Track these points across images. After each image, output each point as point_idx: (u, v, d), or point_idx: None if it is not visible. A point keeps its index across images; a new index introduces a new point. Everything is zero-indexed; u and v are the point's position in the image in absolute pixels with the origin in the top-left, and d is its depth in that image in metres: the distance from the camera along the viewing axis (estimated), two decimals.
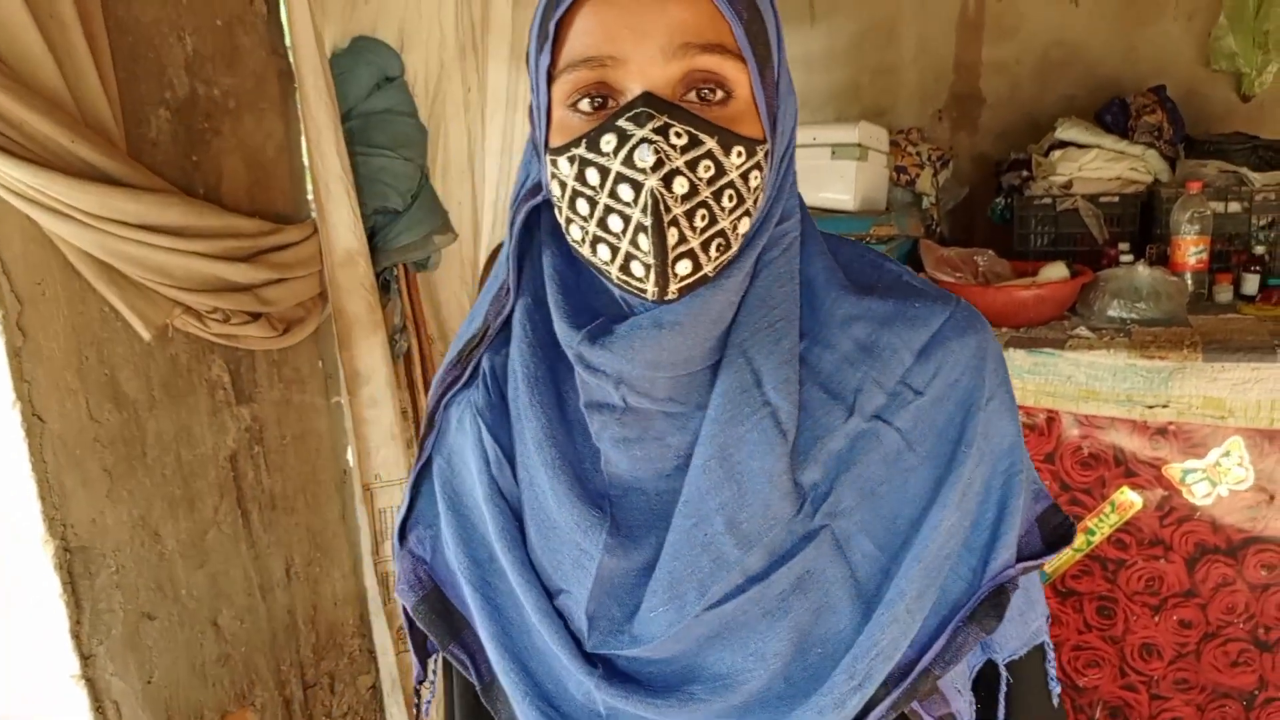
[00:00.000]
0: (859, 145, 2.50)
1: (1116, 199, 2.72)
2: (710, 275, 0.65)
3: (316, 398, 1.95)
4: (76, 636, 1.45)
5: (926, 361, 0.72)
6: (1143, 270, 2.26)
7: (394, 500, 1.94)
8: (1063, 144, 2.82)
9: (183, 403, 1.63)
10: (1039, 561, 0.75)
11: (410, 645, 0.86)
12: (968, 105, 3.31)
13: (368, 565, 2.03)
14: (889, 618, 0.69)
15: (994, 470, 0.74)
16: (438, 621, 0.82)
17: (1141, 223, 2.73)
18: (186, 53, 1.61)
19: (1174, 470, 2.08)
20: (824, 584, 0.70)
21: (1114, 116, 2.85)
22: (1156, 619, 2.15)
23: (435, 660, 0.88)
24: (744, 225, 0.66)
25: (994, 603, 0.72)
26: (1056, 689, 0.82)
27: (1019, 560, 0.74)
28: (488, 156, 2.30)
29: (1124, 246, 2.59)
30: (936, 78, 3.32)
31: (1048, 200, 2.78)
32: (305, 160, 1.85)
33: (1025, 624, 0.79)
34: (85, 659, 1.47)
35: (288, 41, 1.80)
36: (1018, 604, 0.76)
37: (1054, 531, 0.78)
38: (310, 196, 1.87)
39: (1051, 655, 0.81)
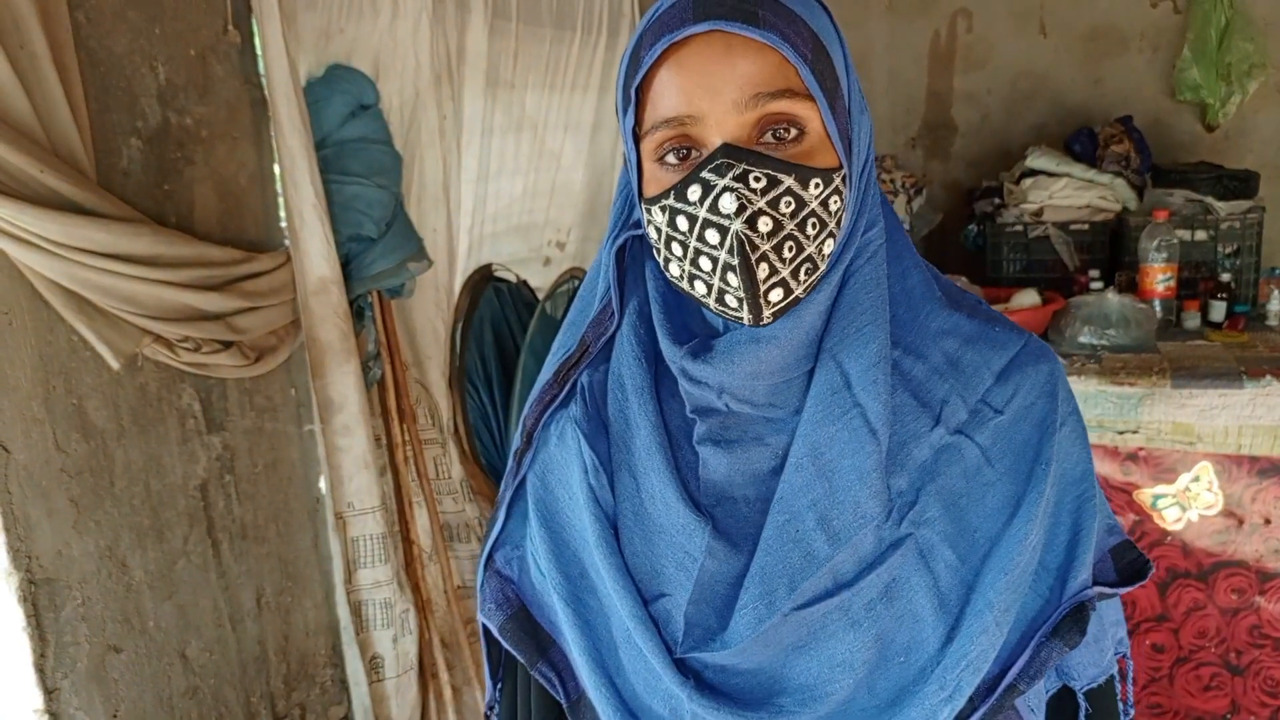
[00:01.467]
0: None
1: (1086, 226, 2.77)
2: (801, 296, 0.70)
3: (289, 426, 1.94)
4: (40, 670, 1.43)
5: (1005, 383, 0.76)
6: (1112, 297, 2.29)
7: (367, 529, 1.93)
8: (1033, 172, 2.86)
9: (152, 432, 1.62)
10: (1114, 591, 0.78)
11: (486, 666, 0.90)
12: (940, 134, 3.36)
13: (340, 595, 2.01)
14: (979, 628, 0.71)
15: (1067, 493, 0.77)
16: (526, 640, 0.84)
17: (1111, 250, 2.77)
18: (159, 82, 1.61)
19: (1145, 495, 2.10)
20: (909, 593, 0.73)
21: (1082, 145, 2.90)
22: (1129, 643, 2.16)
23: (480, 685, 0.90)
24: (829, 246, 0.70)
25: (1075, 620, 0.75)
26: (1129, 716, 0.86)
27: (1095, 585, 0.77)
28: (463, 184, 2.31)
29: (1094, 273, 2.63)
30: (908, 107, 3.36)
31: (1019, 227, 2.82)
32: (279, 188, 1.85)
33: (1101, 651, 0.82)
34: (49, 693, 1.44)
35: (261, 70, 1.80)
36: (1092, 631, 0.78)
37: (1129, 565, 0.81)
38: (284, 224, 1.86)
39: (1129, 676, 0.85)
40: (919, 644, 0.73)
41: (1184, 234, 2.56)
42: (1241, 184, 2.63)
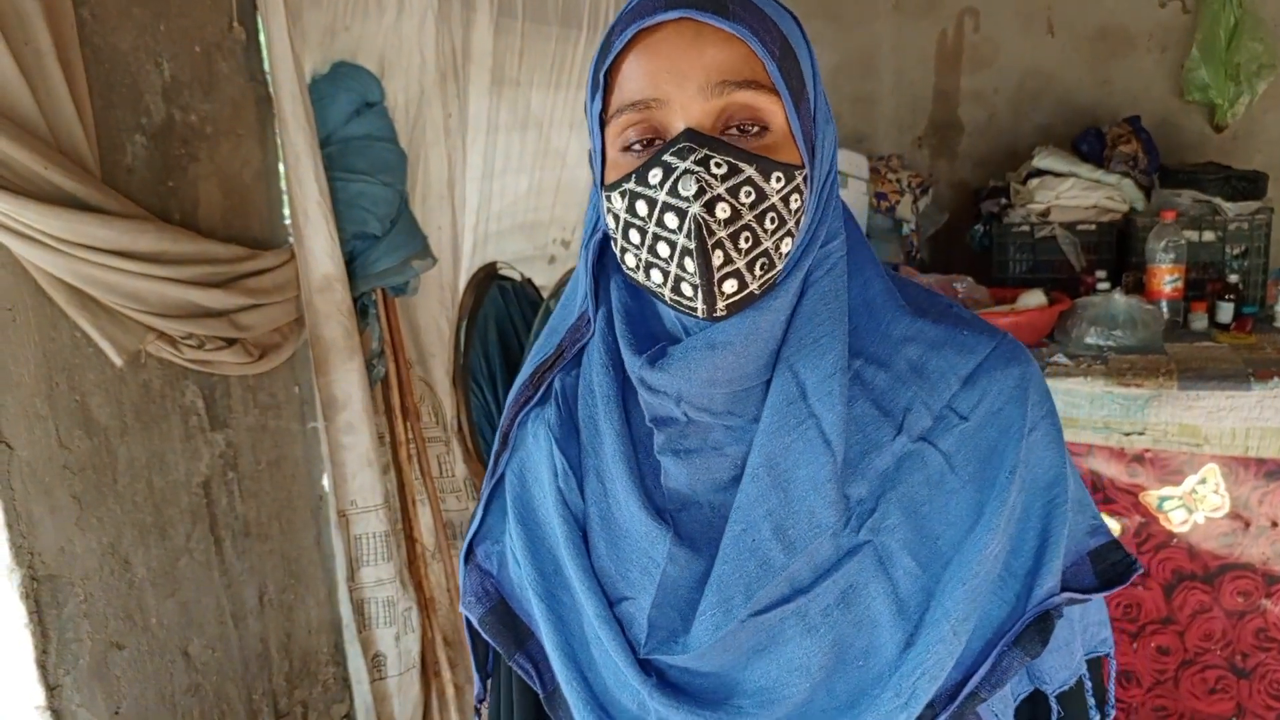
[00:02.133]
0: (839, 172, 2.52)
1: (1093, 227, 2.75)
2: (757, 293, 0.70)
3: (292, 423, 1.94)
4: (42, 666, 1.43)
5: (972, 389, 0.75)
6: (1119, 298, 2.28)
7: (370, 527, 1.93)
8: (1040, 172, 2.85)
9: (155, 429, 1.62)
10: (1088, 596, 0.78)
11: (473, 661, 0.92)
12: (946, 133, 3.35)
13: (343, 592, 2.01)
14: (935, 637, 0.71)
15: (1037, 499, 0.77)
16: (504, 632, 0.86)
17: (1118, 251, 2.76)
18: (164, 79, 1.60)
19: (1151, 497, 2.09)
20: (866, 599, 0.73)
21: (1090, 145, 2.88)
22: (1134, 646, 2.15)
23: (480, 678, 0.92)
24: (786, 245, 0.70)
25: (1039, 628, 0.75)
26: (1101, 717, 0.85)
27: (1065, 591, 0.77)
28: (468, 182, 2.30)
29: (1101, 274, 2.62)
30: (915, 107, 3.35)
31: (1026, 228, 2.81)
32: (283, 186, 1.85)
33: (1071, 654, 0.82)
34: (51, 689, 1.44)
35: (266, 67, 1.80)
36: (1062, 635, 0.78)
37: (1112, 568, 0.80)
38: (288, 222, 1.86)
39: (1111, 677, 0.85)
40: (877, 649, 0.73)
41: (1192, 235, 2.54)
42: (1250, 185, 2.61)
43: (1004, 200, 2.94)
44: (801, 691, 0.73)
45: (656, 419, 0.75)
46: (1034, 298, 2.37)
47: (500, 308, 2.48)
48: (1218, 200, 2.59)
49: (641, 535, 0.75)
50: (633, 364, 0.74)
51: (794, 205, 0.69)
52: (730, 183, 0.66)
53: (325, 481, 1.99)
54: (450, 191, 2.19)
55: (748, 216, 0.67)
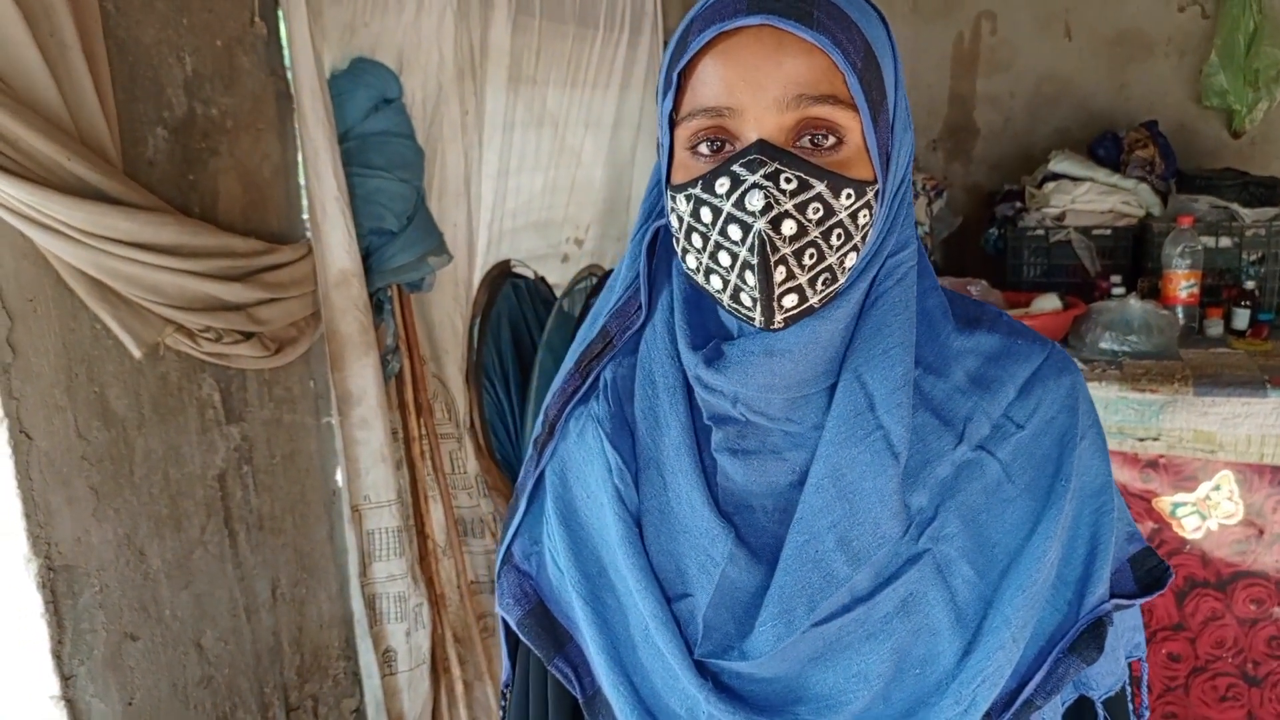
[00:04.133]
0: None
1: (1109, 232, 2.74)
2: (816, 306, 0.69)
3: (307, 418, 1.94)
4: (57, 656, 1.44)
5: (1027, 397, 0.75)
6: (1134, 303, 2.27)
7: (383, 522, 1.93)
8: (1055, 176, 2.84)
9: (172, 421, 1.62)
10: (1132, 602, 0.78)
11: (504, 647, 0.91)
12: (962, 136, 3.34)
13: (354, 587, 2.01)
14: (995, 644, 0.71)
15: (1085, 507, 0.77)
16: (543, 635, 0.84)
17: (1133, 256, 2.75)
18: (186, 73, 1.61)
19: (1164, 503, 2.08)
20: (926, 607, 0.73)
21: (1106, 150, 2.88)
22: (1146, 652, 2.15)
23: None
24: (851, 259, 0.69)
25: (1093, 634, 0.75)
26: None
27: (1112, 597, 0.77)
28: (484, 179, 2.31)
29: (1116, 279, 2.61)
30: (931, 109, 3.34)
31: (1040, 232, 2.80)
32: (302, 180, 1.85)
33: (1116, 660, 0.82)
34: (66, 679, 1.45)
35: (287, 62, 1.80)
36: (1109, 642, 0.78)
37: (1149, 574, 0.81)
38: (306, 216, 1.87)
39: (1144, 682, 0.86)
40: (935, 657, 0.73)
41: (1208, 240, 2.53)
42: (1267, 191, 2.61)
43: (1019, 204, 2.93)
44: (862, 699, 0.73)
45: (714, 416, 0.74)
46: (1049, 302, 2.36)
47: (513, 306, 2.48)
48: (1235, 206, 2.58)
49: (703, 532, 0.74)
50: (689, 360, 0.73)
51: (862, 221, 0.68)
52: (799, 199, 0.65)
53: (339, 476, 2.00)
54: (466, 188, 2.19)
55: (814, 233, 0.66)
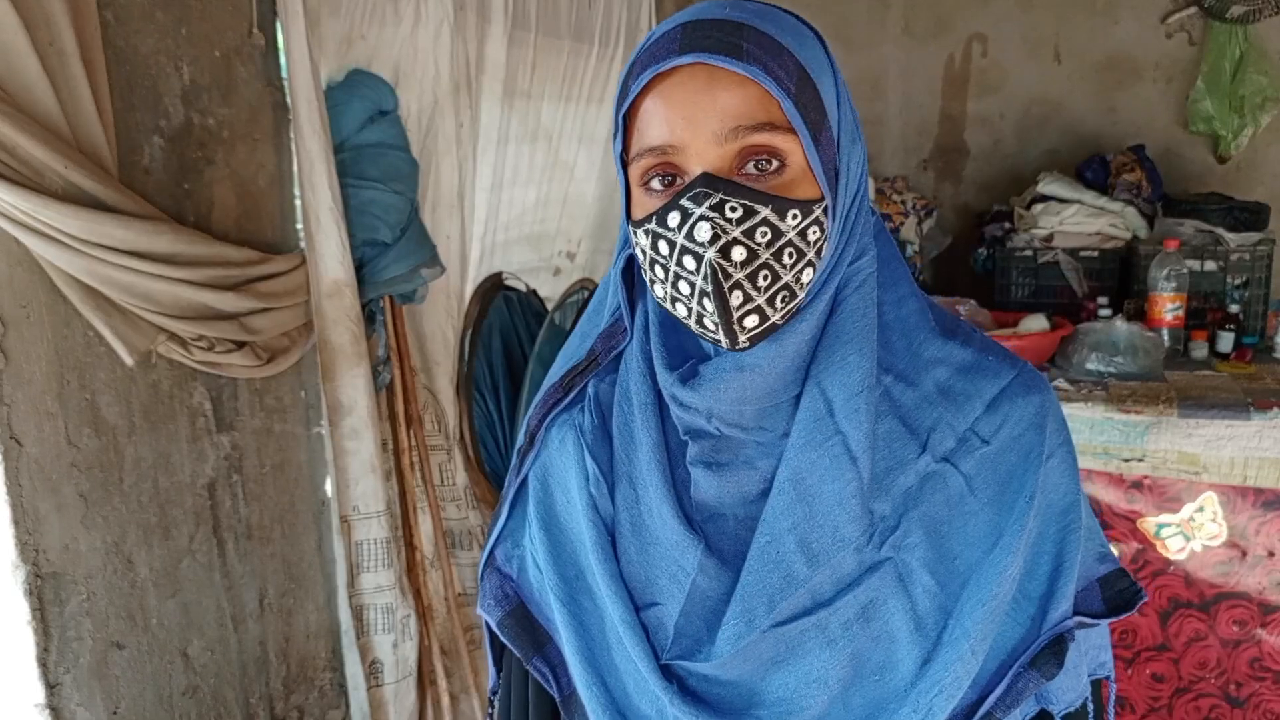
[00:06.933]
0: None
1: (1096, 254, 2.77)
2: (779, 323, 0.71)
3: (297, 427, 1.94)
4: (43, 664, 1.43)
5: (994, 413, 0.77)
6: (1121, 325, 2.30)
7: (371, 533, 1.93)
8: (1044, 198, 2.87)
9: (162, 429, 1.62)
10: (1096, 621, 0.79)
11: (489, 654, 0.94)
12: (952, 157, 3.37)
13: (342, 598, 2.01)
14: (954, 655, 0.73)
15: (1051, 524, 0.79)
16: (523, 636, 0.87)
17: (1120, 278, 2.77)
18: (183, 82, 1.62)
19: (1148, 524, 2.10)
20: (885, 614, 0.75)
21: (1094, 173, 2.90)
22: (1129, 672, 2.16)
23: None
24: (808, 275, 0.71)
25: (1054, 650, 0.76)
26: None
27: (1076, 615, 0.78)
28: (478, 192, 2.32)
29: (1103, 300, 2.63)
30: (921, 130, 3.37)
31: (1029, 252, 2.83)
32: (296, 191, 1.86)
33: (1078, 677, 0.83)
34: (51, 687, 1.44)
35: (284, 73, 1.81)
36: (1071, 657, 0.79)
37: (1119, 595, 0.82)
38: (300, 227, 1.87)
39: (1111, 701, 0.86)
40: (894, 664, 0.75)
41: (1193, 264, 2.56)
42: (1252, 216, 2.63)
43: (1007, 225, 2.96)
44: (819, 704, 0.74)
45: (690, 431, 0.77)
46: (1036, 322, 2.38)
47: (505, 318, 2.49)
48: (1220, 230, 2.61)
49: (673, 544, 0.77)
50: (665, 380, 0.76)
51: (813, 237, 0.70)
52: (746, 225, 0.67)
53: (328, 486, 2.00)
54: (460, 201, 2.20)
55: (765, 255, 0.68)
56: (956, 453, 0.76)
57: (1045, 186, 2.87)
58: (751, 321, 0.70)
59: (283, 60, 1.81)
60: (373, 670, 1.97)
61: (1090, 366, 2.27)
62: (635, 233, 0.73)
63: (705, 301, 0.69)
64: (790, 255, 0.69)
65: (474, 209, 2.30)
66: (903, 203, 3.06)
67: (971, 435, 0.76)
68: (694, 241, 0.67)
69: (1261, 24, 2.88)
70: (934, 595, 0.75)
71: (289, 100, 1.78)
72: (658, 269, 0.71)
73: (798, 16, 0.73)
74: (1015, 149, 3.28)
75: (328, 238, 1.80)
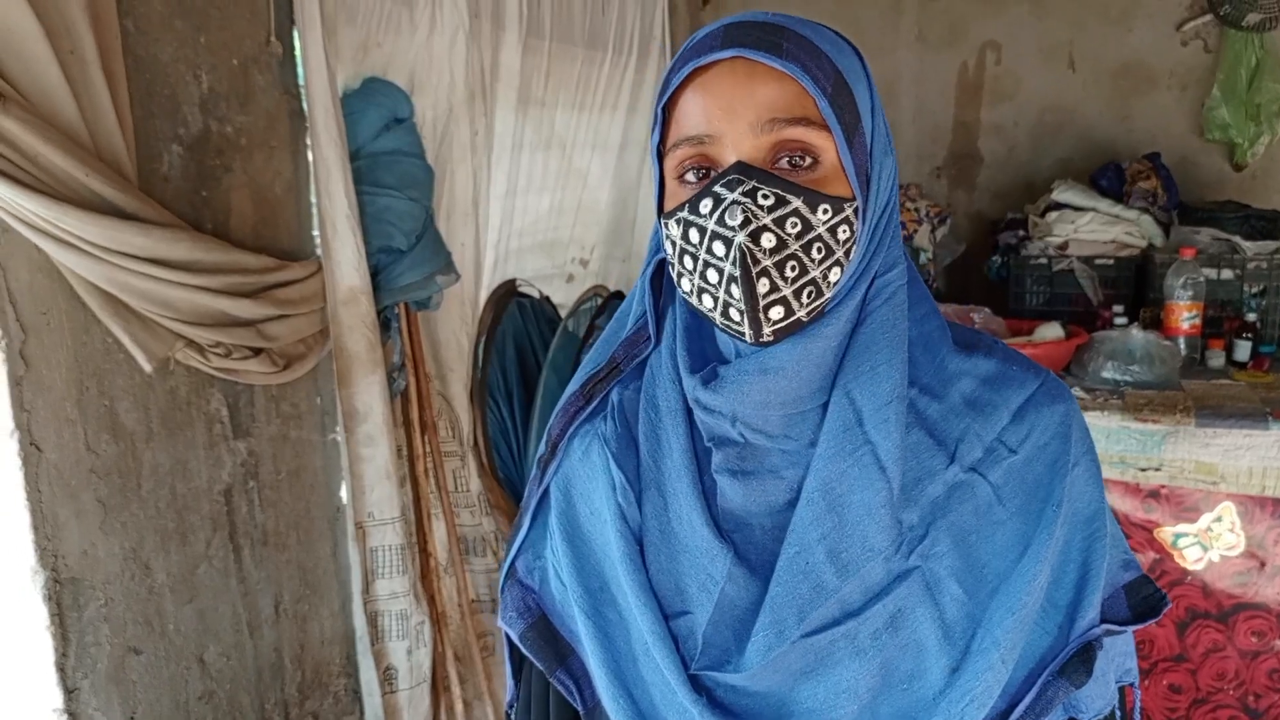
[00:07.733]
0: None
1: (1111, 262, 2.76)
2: (804, 320, 0.72)
3: (313, 434, 1.95)
4: (61, 669, 1.44)
5: (1021, 422, 0.78)
6: (1137, 333, 2.28)
7: (386, 540, 1.93)
8: (1059, 205, 2.86)
9: (180, 435, 1.63)
10: (1123, 628, 0.80)
11: (508, 665, 0.93)
12: (966, 164, 3.36)
13: (357, 604, 2.01)
14: (984, 665, 0.73)
15: (1078, 533, 0.79)
16: (545, 648, 0.86)
17: (1135, 286, 2.76)
18: (202, 90, 1.63)
19: (1165, 534, 2.08)
20: (914, 623, 0.74)
21: (1109, 180, 2.89)
22: (1146, 683, 2.14)
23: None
24: (835, 274, 0.72)
25: (1083, 658, 0.76)
26: None
27: (1103, 623, 0.79)
28: (492, 199, 2.32)
29: (1118, 309, 2.62)
30: (935, 137, 3.37)
31: (1043, 260, 2.82)
32: (313, 198, 1.87)
33: (1106, 684, 0.83)
34: (69, 693, 1.45)
35: (301, 82, 1.82)
36: (1100, 666, 0.79)
37: (1144, 601, 0.82)
38: (316, 234, 1.88)
39: (1137, 708, 0.87)
40: (922, 673, 0.74)
41: (1210, 272, 2.55)
42: (1269, 224, 2.62)
43: (1021, 232, 2.95)
44: (849, 714, 0.74)
45: (714, 438, 0.77)
46: (1051, 330, 2.37)
47: (519, 325, 2.49)
48: (1236, 239, 2.60)
49: (702, 552, 0.76)
50: (688, 383, 0.77)
51: (842, 236, 0.71)
52: (776, 214, 0.68)
53: (343, 493, 2.00)
54: (475, 208, 2.21)
55: (794, 246, 0.69)
56: (984, 462, 0.76)
57: (1060, 194, 2.86)
58: (777, 313, 0.70)
59: (300, 68, 1.82)
60: (387, 676, 1.97)
61: (1106, 375, 2.26)
62: (666, 224, 0.74)
63: (733, 288, 0.69)
64: (819, 250, 0.70)
65: (488, 216, 2.31)
66: (916, 210, 3.05)
67: (999, 445, 0.77)
68: (725, 226, 0.68)
69: (1278, 32, 2.87)
70: (962, 604, 0.75)
71: (306, 108, 1.79)
72: (686, 260, 0.72)
73: (838, 32, 0.75)
74: (1029, 156, 3.27)
75: (344, 245, 1.81)
